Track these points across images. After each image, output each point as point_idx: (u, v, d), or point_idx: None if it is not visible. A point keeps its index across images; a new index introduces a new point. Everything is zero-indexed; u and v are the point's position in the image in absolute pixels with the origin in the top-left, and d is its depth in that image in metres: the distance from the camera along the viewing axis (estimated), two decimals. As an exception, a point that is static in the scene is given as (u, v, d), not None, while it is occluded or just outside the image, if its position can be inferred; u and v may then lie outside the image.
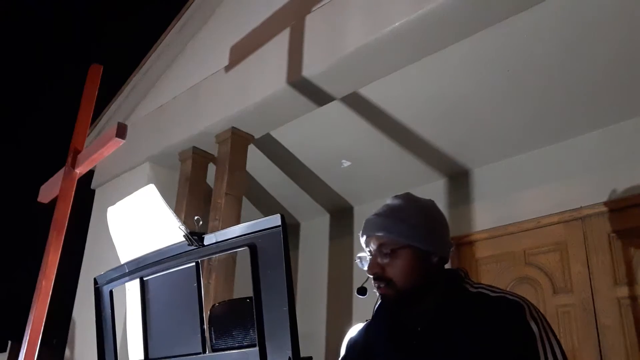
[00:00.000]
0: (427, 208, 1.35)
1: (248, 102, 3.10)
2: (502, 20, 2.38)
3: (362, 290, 1.35)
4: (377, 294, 1.32)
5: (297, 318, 1.07)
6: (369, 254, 1.33)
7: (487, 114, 3.11)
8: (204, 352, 1.25)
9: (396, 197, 1.38)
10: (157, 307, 1.40)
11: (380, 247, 1.30)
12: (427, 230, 1.30)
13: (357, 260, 1.35)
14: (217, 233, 1.24)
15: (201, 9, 3.75)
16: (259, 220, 1.16)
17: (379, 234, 1.30)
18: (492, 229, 3.40)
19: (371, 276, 1.31)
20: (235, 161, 3.25)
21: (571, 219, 3.08)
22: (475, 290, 1.29)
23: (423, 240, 1.29)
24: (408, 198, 1.37)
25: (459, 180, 3.71)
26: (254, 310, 1.13)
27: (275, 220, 1.13)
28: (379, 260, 1.29)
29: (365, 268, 1.32)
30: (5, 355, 5.59)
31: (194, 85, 3.58)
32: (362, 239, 1.36)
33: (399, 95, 3.02)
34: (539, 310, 1.22)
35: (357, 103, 3.10)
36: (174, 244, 1.31)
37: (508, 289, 1.46)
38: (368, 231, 1.33)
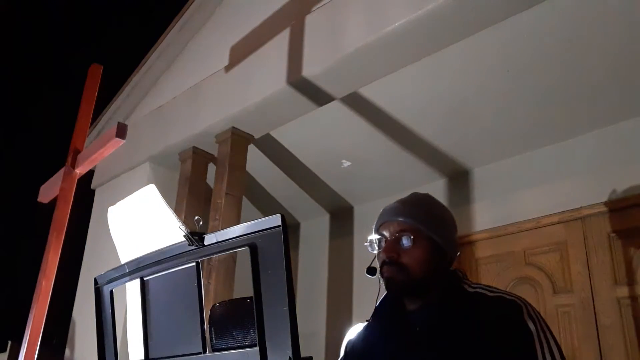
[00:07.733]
0: (446, 210, 1.41)
1: (248, 102, 3.10)
2: (502, 20, 2.38)
3: (372, 270, 1.37)
4: (381, 281, 1.32)
5: (297, 318, 1.07)
6: (382, 238, 1.34)
7: (487, 114, 3.11)
8: (204, 352, 1.25)
9: (418, 193, 1.43)
10: (158, 307, 1.40)
11: (401, 232, 1.31)
12: (447, 229, 1.35)
13: (367, 244, 1.36)
14: (217, 233, 1.24)
15: (201, 9, 3.75)
16: (259, 220, 1.16)
17: (402, 219, 1.32)
18: (492, 229, 3.40)
19: (382, 259, 1.32)
20: (235, 161, 3.25)
21: (571, 219, 3.08)
22: (473, 290, 1.30)
23: (443, 236, 1.32)
24: (430, 196, 1.42)
25: (459, 180, 3.71)
26: (254, 310, 1.13)
27: (275, 220, 1.13)
28: (397, 245, 1.30)
29: (376, 251, 1.34)
30: (5, 355, 5.59)
31: (194, 85, 3.57)
32: (377, 224, 1.37)
33: (399, 95, 3.02)
34: (537, 310, 1.23)
35: (357, 103, 3.09)
36: (174, 244, 1.31)
37: (508, 289, 1.47)
38: (390, 216, 1.35)
